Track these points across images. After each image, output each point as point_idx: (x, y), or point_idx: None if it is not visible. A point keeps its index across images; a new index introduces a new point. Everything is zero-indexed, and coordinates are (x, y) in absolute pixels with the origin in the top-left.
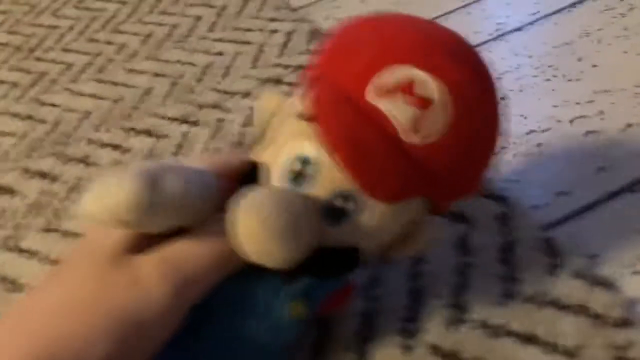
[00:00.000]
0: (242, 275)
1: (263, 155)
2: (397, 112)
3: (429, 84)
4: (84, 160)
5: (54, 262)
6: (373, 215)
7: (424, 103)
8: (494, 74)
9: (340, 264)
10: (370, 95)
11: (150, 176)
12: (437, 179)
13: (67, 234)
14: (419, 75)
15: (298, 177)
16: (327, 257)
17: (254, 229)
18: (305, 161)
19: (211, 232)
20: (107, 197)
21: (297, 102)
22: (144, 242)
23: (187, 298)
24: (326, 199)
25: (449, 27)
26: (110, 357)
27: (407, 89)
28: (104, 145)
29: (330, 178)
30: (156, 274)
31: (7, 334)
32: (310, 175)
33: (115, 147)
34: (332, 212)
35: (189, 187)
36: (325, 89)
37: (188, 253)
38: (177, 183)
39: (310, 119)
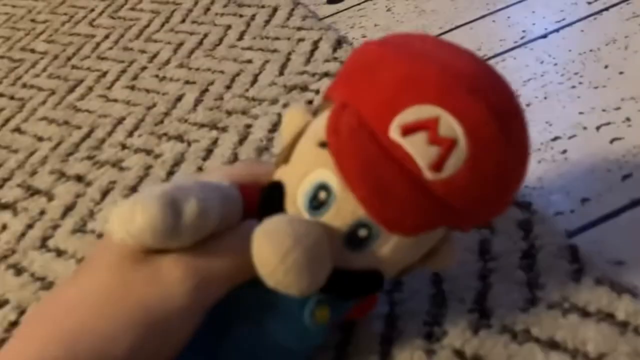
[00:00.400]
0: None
1: (285, 175)
2: (421, 151)
3: (454, 125)
4: (117, 165)
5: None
6: (394, 245)
7: (448, 143)
8: (518, 100)
9: (363, 286)
10: (394, 133)
11: (171, 201)
12: (457, 212)
13: (99, 235)
14: (444, 115)
15: (319, 204)
16: (348, 280)
17: (272, 263)
18: (327, 189)
19: (234, 237)
20: (129, 223)
21: (320, 128)
22: None
23: (207, 298)
24: (346, 229)
25: (476, 56)
26: (132, 352)
27: (431, 128)
28: (137, 150)
29: (350, 209)
30: (177, 273)
31: (31, 327)
32: (330, 203)
33: (148, 152)
34: (353, 240)
35: (210, 206)
36: (348, 120)
37: (209, 255)
38: (198, 205)
39: (330, 151)
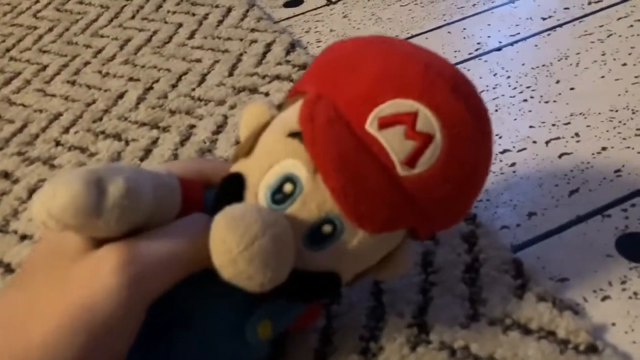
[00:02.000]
0: (213, 291)
1: (246, 167)
2: (397, 146)
3: (432, 121)
4: (48, 162)
5: (7, 264)
6: (357, 243)
7: (424, 139)
8: (486, 109)
9: (319, 289)
10: (371, 126)
11: (96, 179)
12: (426, 211)
13: (22, 237)
14: (422, 110)
15: (284, 198)
16: (305, 282)
17: (235, 250)
18: (293, 181)
19: (175, 230)
20: (50, 201)
21: (290, 119)
22: (108, 240)
23: (145, 293)
24: (311, 223)
25: (447, 60)
26: (77, 357)
27: (408, 123)
28: (71, 147)
29: (317, 202)
30: (111, 263)
31: None
32: (296, 196)
33: (83, 150)
34: (315, 237)
35: (140, 189)
36: (324, 110)
37: (148, 246)
38: (125, 184)
39: (305, 139)
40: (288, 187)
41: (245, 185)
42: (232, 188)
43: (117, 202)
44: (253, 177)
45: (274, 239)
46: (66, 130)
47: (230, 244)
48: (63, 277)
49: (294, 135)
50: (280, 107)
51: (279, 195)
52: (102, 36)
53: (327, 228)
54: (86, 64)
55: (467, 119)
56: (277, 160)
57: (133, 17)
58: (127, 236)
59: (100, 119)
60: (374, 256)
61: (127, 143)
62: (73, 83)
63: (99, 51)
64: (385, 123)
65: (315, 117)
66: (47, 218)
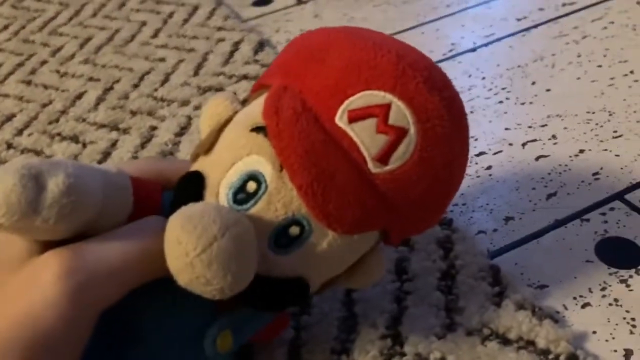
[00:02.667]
0: (168, 301)
1: (206, 166)
2: (368, 140)
3: (406, 113)
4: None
5: None
6: (326, 246)
7: (398, 133)
8: (462, 102)
9: (285, 297)
10: (340, 119)
11: (35, 173)
12: (399, 211)
13: None
14: (395, 102)
15: (247, 197)
16: (270, 288)
17: (193, 252)
18: (257, 180)
19: (127, 234)
20: None
21: (254, 113)
22: (53, 245)
23: (90, 303)
24: (276, 224)
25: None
26: None
27: (381, 115)
28: (24, 150)
29: (283, 201)
30: (52, 270)
31: None
32: (260, 195)
33: (37, 152)
34: (282, 239)
35: (85, 186)
36: (290, 103)
37: (94, 251)
38: (66, 180)
39: (270, 134)
40: (251, 186)
41: (205, 185)
42: (191, 188)
43: (56, 199)
44: (214, 176)
45: (234, 241)
46: (19, 132)
47: (187, 246)
48: (2, 289)
49: (258, 129)
50: (244, 102)
51: (242, 195)
52: (60, 34)
53: (294, 229)
54: (43, 63)
55: (442, 113)
56: (239, 156)
57: (94, 15)
58: (74, 240)
59: (57, 120)
60: (345, 261)
61: (84, 145)
62: (28, 83)
63: (57, 50)
64: (355, 116)
65: (281, 110)
66: None
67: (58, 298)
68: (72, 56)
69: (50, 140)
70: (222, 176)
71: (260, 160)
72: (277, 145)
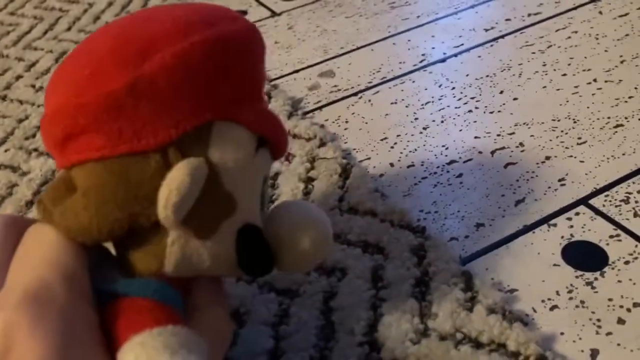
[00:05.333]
0: None
1: None
2: None
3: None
4: None
5: None
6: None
7: None
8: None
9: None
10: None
11: None
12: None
13: None
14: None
15: None
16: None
17: None
18: None
19: None
20: None
21: None
22: None
23: None
24: None
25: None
26: None
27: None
28: (0, 166)
29: None
30: None
31: None
32: None
33: (14, 169)
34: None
35: None
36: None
37: None
38: None
39: None
40: None
41: None
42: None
43: None
44: None
45: None
46: None
47: None
48: None
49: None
50: None
51: None
52: (35, 49)
53: None
54: (18, 77)
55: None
56: None
57: (69, 28)
58: None
59: (34, 135)
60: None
61: None
62: (4, 98)
63: (33, 64)
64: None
65: None
66: None
67: None
68: (48, 70)
69: (28, 156)
70: None
71: None
72: None
